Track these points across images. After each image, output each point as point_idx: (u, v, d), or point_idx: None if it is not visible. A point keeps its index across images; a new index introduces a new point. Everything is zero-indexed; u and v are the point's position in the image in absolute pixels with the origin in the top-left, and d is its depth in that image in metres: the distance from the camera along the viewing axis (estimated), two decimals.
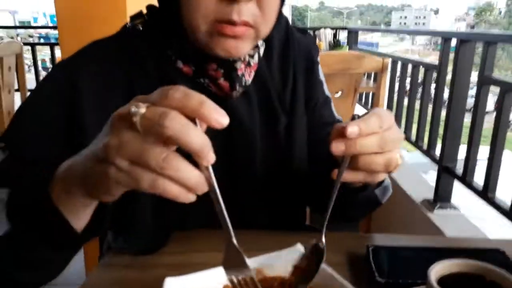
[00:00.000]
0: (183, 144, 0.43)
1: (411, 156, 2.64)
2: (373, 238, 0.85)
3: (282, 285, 0.65)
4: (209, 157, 0.44)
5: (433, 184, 1.92)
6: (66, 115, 0.75)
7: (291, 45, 0.91)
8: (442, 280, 0.55)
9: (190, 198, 0.46)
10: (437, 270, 0.57)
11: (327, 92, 0.99)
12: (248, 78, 0.82)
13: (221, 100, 0.80)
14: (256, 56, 0.83)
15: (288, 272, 0.66)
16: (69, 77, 0.76)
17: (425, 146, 2.08)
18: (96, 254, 0.86)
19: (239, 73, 0.79)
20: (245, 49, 0.76)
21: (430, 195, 1.93)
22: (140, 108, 0.44)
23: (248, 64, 0.81)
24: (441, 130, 1.98)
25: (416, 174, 2.26)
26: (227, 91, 0.80)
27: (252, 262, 0.67)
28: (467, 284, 0.56)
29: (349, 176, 0.62)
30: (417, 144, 2.17)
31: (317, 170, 0.84)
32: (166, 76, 0.79)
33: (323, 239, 0.64)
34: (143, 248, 0.79)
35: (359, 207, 0.85)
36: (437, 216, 1.79)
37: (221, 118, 0.44)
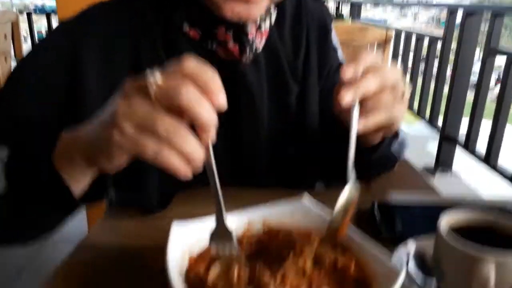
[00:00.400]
0: (194, 115, 0.44)
1: (413, 128, 2.61)
2: (377, 195, 0.83)
3: (287, 238, 0.64)
4: (213, 133, 0.46)
5: (435, 153, 1.91)
6: (67, 83, 0.73)
7: (303, 12, 0.88)
8: (452, 230, 0.54)
9: (188, 174, 0.46)
10: (448, 220, 0.56)
11: (341, 58, 0.96)
12: (259, 44, 0.79)
13: (230, 65, 0.79)
14: (267, 22, 0.80)
15: (295, 222, 0.65)
16: (73, 45, 0.73)
17: (427, 117, 2.06)
18: (98, 210, 0.85)
19: (250, 37, 0.76)
20: (256, 14, 0.72)
21: (431, 163, 1.93)
22: (156, 77, 0.45)
23: (259, 28, 0.78)
24: (443, 105, 1.96)
25: (417, 144, 2.26)
26: (236, 55, 0.77)
27: (257, 212, 0.66)
28: (477, 233, 0.56)
29: (363, 124, 0.61)
30: (419, 115, 2.15)
31: (330, 138, 0.83)
32: (172, 44, 0.76)
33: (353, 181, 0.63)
34: (148, 207, 0.78)
35: (377, 166, 0.84)
36: (438, 182, 1.79)
37: (222, 100, 0.45)
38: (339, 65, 0.94)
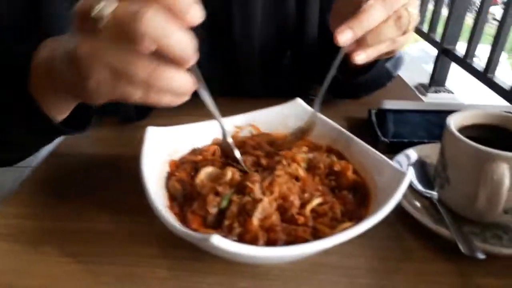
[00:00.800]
0: (163, 49, 0.35)
1: (411, 48, 2.52)
2: (373, 104, 0.78)
3: (278, 143, 0.58)
4: (192, 59, 0.37)
5: (430, 72, 1.84)
6: None
7: None
8: (461, 131, 0.48)
9: (184, 100, 0.40)
10: (457, 119, 0.50)
11: None
12: None
13: None
14: None
15: (286, 127, 0.59)
16: None
17: (425, 29, 1.96)
18: None
19: None
20: None
21: (425, 80, 1.86)
22: (107, 5, 0.34)
23: None
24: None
25: (414, 63, 2.17)
26: None
27: (246, 117, 0.61)
28: (488, 134, 0.50)
29: (363, 56, 0.50)
30: (416, 28, 2.04)
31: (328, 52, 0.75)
32: None
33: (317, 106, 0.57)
34: (126, 116, 0.72)
35: (372, 83, 0.77)
36: (431, 99, 1.74)
37: (195, 15, 0.35)
38: None
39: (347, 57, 0.50)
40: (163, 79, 0.36)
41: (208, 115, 0.49)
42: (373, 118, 0.71)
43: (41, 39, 0.46)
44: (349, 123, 0.75)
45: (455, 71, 1.82)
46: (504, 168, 0.42)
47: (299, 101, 0.62)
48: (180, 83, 0.37)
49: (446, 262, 0.44)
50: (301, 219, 0.43)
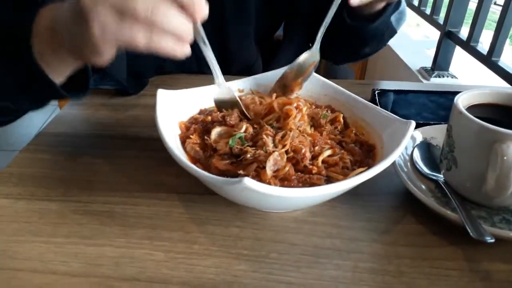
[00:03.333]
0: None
1: (413, 32, 2.48)
2: (377, 84, 0.76)
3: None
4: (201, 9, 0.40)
5: (433, 56, 1.81)
6: None
7: None
8: (469, 111, 0.46)
9: (186, 51, 0.41)
10: (465, 98, 0.48)
11: None
12: None
13: None
14: None
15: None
16: None
17: (428, 11, 1.92)
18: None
19: None
20: None
21: (428, 64, 1.82)
22: None
23: None
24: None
25: (416, 47, 2.13)
26: None
27: (246, 82, 0.61)
28: (497, 114, 0.48)
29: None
30: (419, 10, 2.00)
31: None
32: None
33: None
34: (119, 87, 0.70)
35: (374, 38, 0.75)
36: (433, 84, 1.71)
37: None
38: None
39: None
40: (163, 14, 0.38)
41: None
42: (377, 98, 0.69)
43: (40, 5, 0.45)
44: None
45: (458, 55, 1.78)
46: None
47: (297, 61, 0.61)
48: (179, 21, 0.39)
49: (453, 246, 0.43)
50: (314, 169, 0.45)
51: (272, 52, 0.86)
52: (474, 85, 0.71)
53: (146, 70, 0.77)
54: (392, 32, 0.75)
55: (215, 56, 0.50)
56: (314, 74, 0.61)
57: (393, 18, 0.70)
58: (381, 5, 0.64)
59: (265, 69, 0.80)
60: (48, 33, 0.43)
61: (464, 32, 1.64)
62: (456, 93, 0.48)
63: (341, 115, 0.54)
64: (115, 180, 0.51)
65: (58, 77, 0.47)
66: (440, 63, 1.76)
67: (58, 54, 0.45)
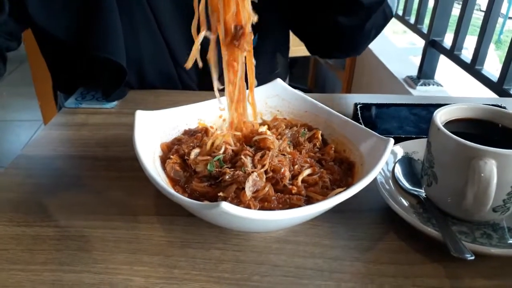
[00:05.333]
0: None
1: (399, 40, 2.50)
2: (359, 98, 0.76)
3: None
4: None
5: (418, 64, 1.83)
6: None
7: None
8: (447, 126, 0.46)
9: None
10: (443, 114, 0.48)
11: None
12: None
13: None
14: None
15: (267, 106, 0.61)
16: None
17: (412, 20, 1.94)
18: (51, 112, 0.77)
19: None
20: None
21: (414, 73, 1.84)
22: None
23: None
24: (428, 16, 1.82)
25: (402, 55, 2.15)
26: None
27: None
28: (475, 129, 0.48)
29: None
30: (403, 19, 2.03)
31: None
32: None
33: None
34: (101, 101, 0.71)
35: (371, 23, 0.75)
36: (419, 92, 1.73)
37: None
38: None
39: None
40: None
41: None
42: (359, 113, 0.70)
43: None
44: None
45: (444, 63, 1.80)
46: (492, 164, 0.40)
47: (279, 81, 0.62)
48: None
49: (435, 263, 0.43)
50: (294, 189, 0.45)
51: None
52: (456, 98, 0.72)
53: (129, 77, 0.77)
54: (390, 13, 0.75)
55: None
56: (295, 91, 0.61)
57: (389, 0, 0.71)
58: None
59: None
60: None
61: (448, 40, 1.66)
62: (439, 105, 0.48)
63: (319, 132, 0.54)
64: (95, 203, 0.51)
65: None
66: (426, 71, 1.78)
67: None
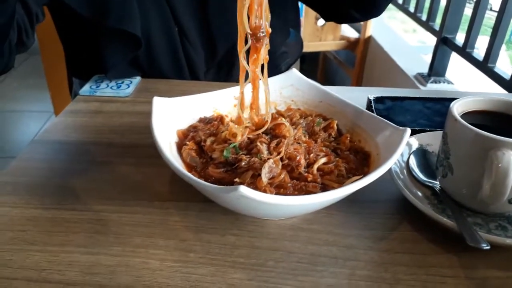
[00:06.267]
0: None
1: (410, 38, 2.49)
2: (371, 91, 0.76)
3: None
4: None
5: (429, 62, 1.82)
6: None
7: None
8: (464, 117, 0.46)
9: None
10: (460, 105, 0.48)
11: None
12: None
13: None
14: None
15: (282, 97, 0.61)
16: None
17: (424, 17, 1.93)
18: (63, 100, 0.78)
19: None
20: None
21: (424, 70, 1.83)
22: None
23: None
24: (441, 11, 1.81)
25: (413, 53, 2.14)
26: None
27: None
28: (492, 121, 0.48)
29: None
30: (415, 16, 2.01)
31: None
32: None
33: None
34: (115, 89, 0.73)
35: None
36: (430, 90, 1.72)
37: None
38: None
39: None
40: None
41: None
42: (373, 105, 0.70)
43: None
44: None
45: (455, 61, 1.79)
46: (510, 155, 0.40)
47: (294, 71, 0.63)
48: None
49: (449, 253, 0.43)
50: (310, 177, 0.45)
51: None
52: (470, 92, 0.71)
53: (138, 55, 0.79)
54: None
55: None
56: (309, 80, 0.61)
57: None
58: None
59: None
60: None
61: (460, 38, 1.65)
62: (452, 99, 0.48)
63: (335, 121, 0.54)
64: (111, 188, 0.51)
65: None
66: (437, 69, 1.77)
67: None
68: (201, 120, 0.55)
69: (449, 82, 1.75)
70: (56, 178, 0.53)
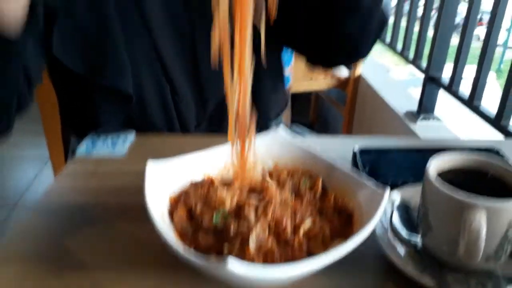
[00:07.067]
0: None
1: (399, 72, 2.56)
2: (359, 141, 0.79)
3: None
4: None
5: (418, 97, 1.87)
6: None
7: None
8: (441, 176, 0.49)
9: None
10: (436, 164, 0.51)
11: None
12: None
13: None
14: None
15: (271, 156, 0.63)
16: None
17: (411, 56, 1.99)
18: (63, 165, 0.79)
19: None
20: None
21: (414, 107, 1.88)
22: None
23: None
24: (427, 49, 1.87)
25: (401, 88, 2.20)
26: None
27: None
28: (467, 179, 0.51)
29: None
30: (403, 55, 2.08)
31: None
32: None
33: None
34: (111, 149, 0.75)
35: (369, 22, 0.77)
36: (420, 127, 1.76)
37: None
38: None
39: None
40: None
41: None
42: (358, 158, 0.72)
43: None
44: None
45: (443, 96, 1.84)
46: (481, 216, 0.42)
47: (281, 130, 0.65)
48: None
49: None
50: (296, 242, 0.46)
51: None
52: (455, 139, 0.75)
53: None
54: (386, 17, 0.78)
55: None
56: (292, 143, 0.63)
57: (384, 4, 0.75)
58: None
59: None
60: None
61: (448, 71, 1.70)
62: (438, 150, 0.51)
63: (320, 179, 0.57)
64: (104, 257, 0.53)
65: None
66: (426, 106, 1.82)
67: None
68: (192, 186, 0.57)
69: (438, 119, 1.79)
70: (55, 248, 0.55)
